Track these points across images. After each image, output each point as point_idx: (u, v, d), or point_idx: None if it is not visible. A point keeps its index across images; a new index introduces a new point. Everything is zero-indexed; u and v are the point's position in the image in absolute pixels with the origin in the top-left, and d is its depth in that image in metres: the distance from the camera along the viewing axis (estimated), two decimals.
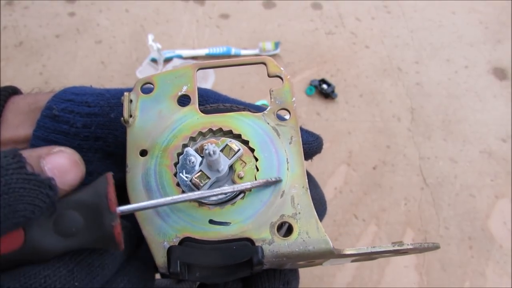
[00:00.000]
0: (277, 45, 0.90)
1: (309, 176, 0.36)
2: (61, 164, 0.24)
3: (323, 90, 0.84)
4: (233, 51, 0.89)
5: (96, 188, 0.25)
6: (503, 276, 0.67)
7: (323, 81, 0.85)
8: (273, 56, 0.89)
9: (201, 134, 0.30)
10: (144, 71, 0.84)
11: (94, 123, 0.32)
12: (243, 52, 0.90)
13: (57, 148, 0.25)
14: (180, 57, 0.88)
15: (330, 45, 0.93)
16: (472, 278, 0.67)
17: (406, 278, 0.68)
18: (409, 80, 0.88)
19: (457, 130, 0.82)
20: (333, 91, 0.84)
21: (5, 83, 0.84)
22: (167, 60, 0.87)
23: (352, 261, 0.30)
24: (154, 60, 0.86)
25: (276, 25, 0.96)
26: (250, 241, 0.27)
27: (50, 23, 0.94)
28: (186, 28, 0.95)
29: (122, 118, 0.29)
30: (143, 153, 0.29)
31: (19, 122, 0.33)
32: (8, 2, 0.97)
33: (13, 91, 0.36)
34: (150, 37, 0.82)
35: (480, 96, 0.86)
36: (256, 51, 0.90)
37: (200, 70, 0.32)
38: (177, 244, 0.27)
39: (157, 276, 0.31)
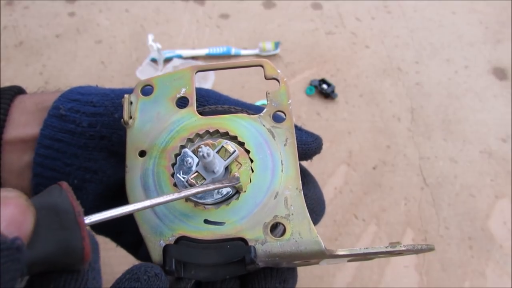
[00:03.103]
0: (277, 45, 0.90)
1: (309, 176, 0.36)
2: (13, 216, 0.20)
3: (323, 90, 0.84)
4: (233, 51, 0.89)
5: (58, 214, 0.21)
6: (503, 276, 0.67)
7: (323, 81, 0.85)
8: (273, 56, 0.89)
9: (199, 135, 0.30)
10: (144, 71, 0.84)
11: (99, 123, 0.33)
12: (243, 52, 0.90)
13: None
14: (180, 57, 0.88)
15: (330, 45, 0.93)
16: (472, 278, 0.67)
17: (406, 278, 0.68)
18: (409, 80, 0.88)
19: (457, 130, 0.82)
20: (333, 91, 0.84)
21: (5, 83, 0.84)
22: (167, 60, 0.87)
23: (349, 261, 0.30)
24: (154, 60, 0.86)
25: (276, 25, 0.96)
26: (243, 240, 0.27)
27: (50, 23, 0.94)
28: (186, 28, 0.95)
29: (122, 120, 0.30)
30: (142, 153, 0.30)
31: (26, 121, 0.34)
32: (8, 2, 0.97)
33: (18, 91, 0.36)
34: (150, 37, 0.83)
35: (480, 96, 0.86)
36: (256, 51, 0.90)
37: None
38: (172, 243, 0.27)
39: None
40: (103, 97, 0.33)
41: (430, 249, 0.28)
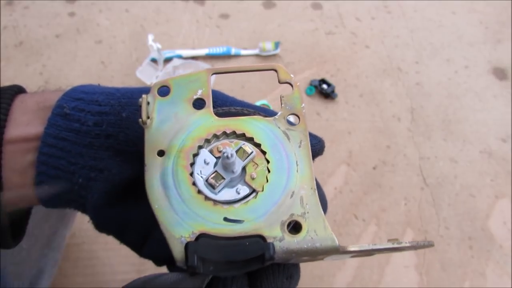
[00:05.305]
0: (277, 45, 0.90)
1: None
2: None
3: (323, 90, 0.84)
4: (233, 51, 0.89)
5: None
6: (503, 276, 0.67)
7: (323, 81, 0.85)
8: (273, 56, 0.89)
9: (215, 136, 0.31)
10: (144, 71, 0.84)
11: (105, 122, 0.33)
12: (243, 52, 0.90)
13: None
14: (180, 57, 0.88)
15: (330, 45, 0.93)
16: (472, 278, 0.67)
17: (406, 278, 0.68)
18: (409, 80, 0.88)
19: (457, 130, 0.82)
20: (333, 91, 0.84)
21: (5, 83, 0.84)
22: (167, 60, 0.87)
23: (352, 256, 0.32)
24: (154, 60, 0.86)
25: (276, 25, 0.96)
26: (262, 238, 0.28)
27: (50, 23, 0.94)
28: (186, 28, 0.95)
29: (140, 120, 0.31)
30: (161, 153, 0.31)
31: (28, 121, 0.34)
32: (8, 2, 0.97)
33: (19, 90, 0.36)
34: (150, 37, 0.83)
35: (480, 96, 0.86)
36: (256, 51, 0.90)
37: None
38: (193, 239, 0.28)
39: (165, 269, 0.32)
40: (108, 96, 0.33)
41: (431, 245, 0.29)
